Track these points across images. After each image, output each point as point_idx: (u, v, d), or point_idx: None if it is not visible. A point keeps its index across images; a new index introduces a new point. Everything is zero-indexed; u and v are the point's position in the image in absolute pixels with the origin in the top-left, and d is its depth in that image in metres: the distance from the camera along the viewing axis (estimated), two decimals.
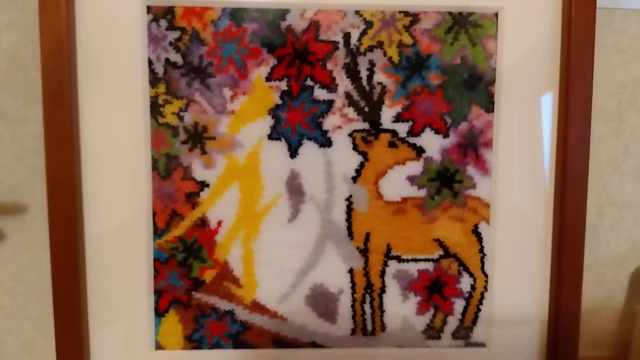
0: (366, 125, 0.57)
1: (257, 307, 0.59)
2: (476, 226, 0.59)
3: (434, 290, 0.59)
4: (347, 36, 0.56)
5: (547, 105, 0.58)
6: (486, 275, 0.59)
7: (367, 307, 0.59)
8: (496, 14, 0.56)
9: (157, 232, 0.58)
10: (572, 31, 0.55)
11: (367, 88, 0.57)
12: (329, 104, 0.57)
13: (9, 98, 0.59)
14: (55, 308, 0.56)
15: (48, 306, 0.58)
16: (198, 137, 0.57)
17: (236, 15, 0.55)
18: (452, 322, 0.60)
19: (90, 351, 0.58)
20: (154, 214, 0.57)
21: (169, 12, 0.55)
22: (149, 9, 0.55)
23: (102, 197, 0.56)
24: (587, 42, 0.55)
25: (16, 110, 0.59)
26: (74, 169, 0.55)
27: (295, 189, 0.58)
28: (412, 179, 0.58)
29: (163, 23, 0.55)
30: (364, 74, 0.57)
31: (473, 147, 0.58)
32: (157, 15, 0.55)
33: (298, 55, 0.56)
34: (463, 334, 0.60)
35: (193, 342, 0.59)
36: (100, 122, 0.56)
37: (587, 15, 0.55)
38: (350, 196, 0.58)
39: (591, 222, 0.61)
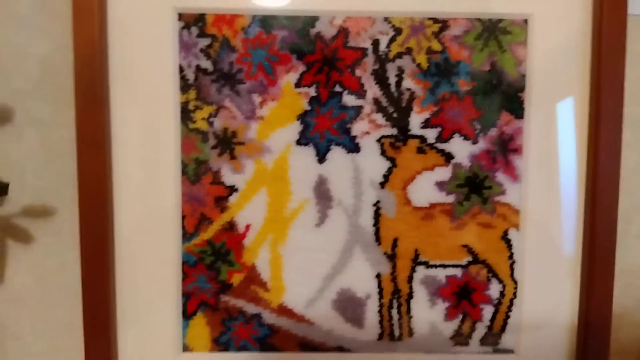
0: (394, 131, 0.57)
1: (284, 311, 0.59)
2: (506, 232, 0.59)
3: (462, 296, 0.59)
4: (376, 43, 0.56)
5: (577, 112, 0.57)
6: (515, 282, 0.59)
7: (394, 312, 0.59)
8: (526, 21, 0.56)
9: (186, 236, 0.58)
10: (603, 38, 0.55)
11: (396, 94, 0.57)
12: (358, 110, 0.57)
13: (40, 104, 0.60)
14: (85, 310, 0.57)
15: (76, 309, 0.59)
16: (227, 143, 0.57)
17: (266, 22, 0.56)
18: (481, 329, 0.60)
19: (118, 353, 0.59)
20: (183, 217, 0.58)
21: (200, 19, 0.56)
22: (181, 17, 0.56)
23: (132, 200, 0.57)
24: (617, 49, 0.55)
25: (47, 116, 0.60)
26: (105, 173, 0.56)
27: (323, 194, 0.58)
28: (440, 185, 0.58)
29: (194, 30, 0.56)
30: (392, 80, 0.57)
31: (502, 153, 0.58)
32: (189, 22, 0.56)
33: (327, 61, 0.57)
34: (491, 340, 0.60)
35: (220, 344, 0.60)
36: (131, 128, 0.57)
37: (617, 22, 0.55)
38: (378, 201, 0.58)
39: (619, 229, 0.61)
